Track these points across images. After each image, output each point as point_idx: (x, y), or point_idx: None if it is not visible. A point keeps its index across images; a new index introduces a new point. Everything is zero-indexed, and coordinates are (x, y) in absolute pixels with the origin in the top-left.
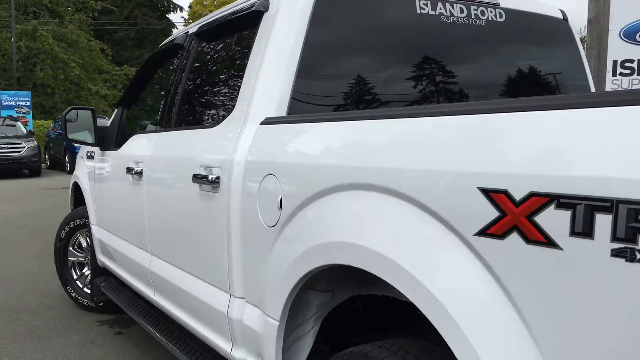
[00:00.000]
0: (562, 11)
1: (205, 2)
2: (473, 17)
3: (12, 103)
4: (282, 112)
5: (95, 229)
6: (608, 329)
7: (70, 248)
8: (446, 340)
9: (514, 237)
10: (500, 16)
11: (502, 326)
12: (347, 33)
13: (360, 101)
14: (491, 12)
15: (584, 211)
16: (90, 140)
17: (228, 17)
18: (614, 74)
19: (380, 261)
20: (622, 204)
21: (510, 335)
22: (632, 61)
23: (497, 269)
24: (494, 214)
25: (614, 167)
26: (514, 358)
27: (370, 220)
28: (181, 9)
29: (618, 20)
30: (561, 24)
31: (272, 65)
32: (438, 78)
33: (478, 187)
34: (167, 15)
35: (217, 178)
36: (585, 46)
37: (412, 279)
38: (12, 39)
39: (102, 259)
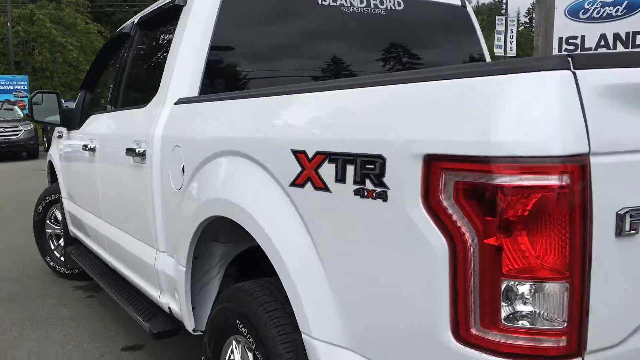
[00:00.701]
0: None
1: None
2: (372, 6)
3: (10, 87)
4: (194, 94)
5: (65, 202)
6: (357, 240)
7: (47, 221)
8: (268, 255)
9: (309, 185)
10: (399, 5)
11: (300, 243)
12: (253, 24)
13: (259, 84)
14: (390, 1)
15: (341, 164)
16: (57, 121)
17: (159, 9)
18: (560, 50)
19: (236, 210)
20: (358, 157)
21: (304, 247)
22: (575, 37)
23: (301, 209)
24: (298, 169)
25: (355, 130)
26: (303, 256)
27: (232, 179)
28: None
29: None
30: (459, 11)
31: (187, 53)
32: (334, 63)
33: (290, 149)
34: None
35: (144, 151)
36: (534, 24)
37: (252, 220)
38: (9, 24)
39: (72, 229)
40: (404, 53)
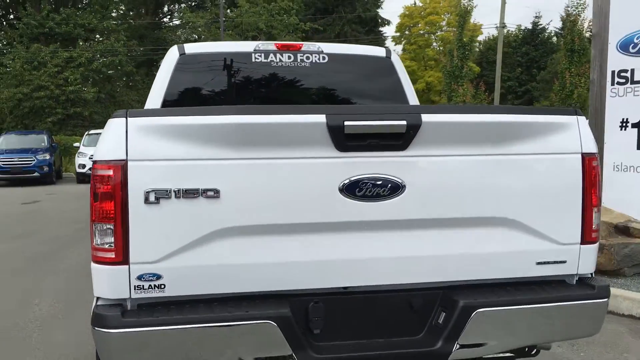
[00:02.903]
0: (387, 50)
1: (412, 14)
2: (299, 61)
3: None
4: None
5: None
6: None
7: None
8: None
9: None
10: (324, 59)
11: None
12: (202, 76)
13: None
14: (315, 56)
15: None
16: None
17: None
18: (612, 84)
19: None
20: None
21: None
22: (626, 71)
23: None
24: None
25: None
26: None
27: None
28: (389, 22)
29: (615, 34)
30: (383, 61)
31: (153, 94)
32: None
33: None
34: (377, 29)
35: None
36: (590, 58)
37: None
38: None
39: None
40: (327, 101)
